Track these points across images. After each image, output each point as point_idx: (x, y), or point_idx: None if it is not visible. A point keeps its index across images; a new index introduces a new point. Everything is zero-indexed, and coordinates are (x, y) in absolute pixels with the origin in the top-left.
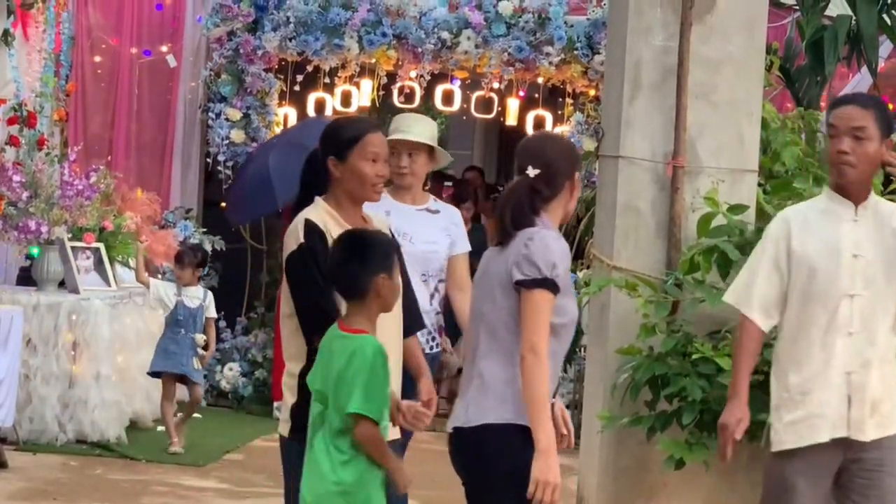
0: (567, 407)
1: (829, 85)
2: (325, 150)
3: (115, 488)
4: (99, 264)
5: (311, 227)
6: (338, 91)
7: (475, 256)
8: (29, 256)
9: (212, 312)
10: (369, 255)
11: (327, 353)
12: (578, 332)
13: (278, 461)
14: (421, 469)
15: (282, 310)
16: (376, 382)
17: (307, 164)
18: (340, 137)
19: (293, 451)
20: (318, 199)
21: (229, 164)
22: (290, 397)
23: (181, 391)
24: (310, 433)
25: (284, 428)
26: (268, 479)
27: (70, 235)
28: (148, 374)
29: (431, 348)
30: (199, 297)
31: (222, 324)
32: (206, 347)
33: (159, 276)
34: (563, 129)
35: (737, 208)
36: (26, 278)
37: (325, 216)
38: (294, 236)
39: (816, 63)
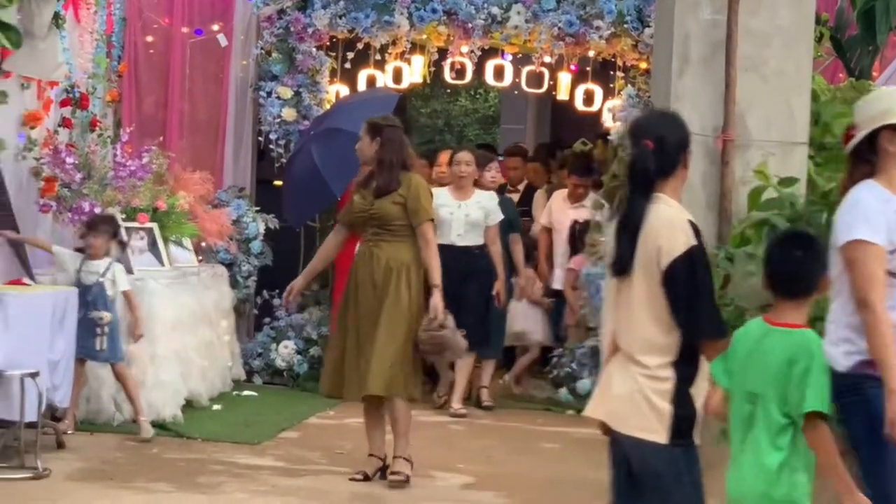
0: None
1: (881, 55)
2: (685, 144)
3: (171, 467)
4: (153, 244)
5: (696, 229)
6: (389, 68)
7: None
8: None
9: (123, 285)
10: (822, 254)
11: (758, 351)
12: None
13: (333, 438)
14: (480, 444)
15: (637, 312)
16: (827, 380)
17: (649, 157)
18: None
19: (675, 457)
20: (667, 198)
21: (281, 142)
22: (662, 402)
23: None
24: (736, 434)
25: (659, 435)
26: (323, 456)
27: (124, 216)
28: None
29: None
30: (98, 272)
31: (276, 301)
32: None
33: (213, 255)
34: (613, 103)
35: (787, 181)
36: None
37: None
38: (680, 238)
39: (868, 33)
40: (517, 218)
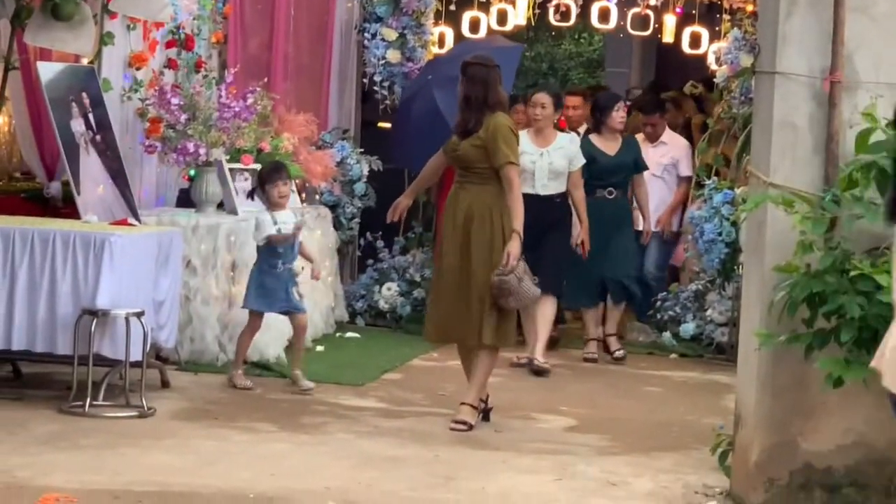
0: (724, 325)
1: None
2: None
3: (274, 408)
4: None
5: None
6: (493, 10)
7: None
8: (190, 178)
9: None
10: None
11: None
12: (736, 250)
13: (436, 380)
14: (583, 387)
15: None
16: None
17: None
18: None
19: None
20: None
21: (385, 84)
22: None
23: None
24: None
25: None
26: (425, 398)
27: (228, 157)
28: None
29: None
30: (292, 222)
31: (380, 243)
32: (310, 272)
33: (317, 196)
34: (719, 46)
35: None
36: (185, 200)
37: None
38: None
39: None
40: (641, 159)
